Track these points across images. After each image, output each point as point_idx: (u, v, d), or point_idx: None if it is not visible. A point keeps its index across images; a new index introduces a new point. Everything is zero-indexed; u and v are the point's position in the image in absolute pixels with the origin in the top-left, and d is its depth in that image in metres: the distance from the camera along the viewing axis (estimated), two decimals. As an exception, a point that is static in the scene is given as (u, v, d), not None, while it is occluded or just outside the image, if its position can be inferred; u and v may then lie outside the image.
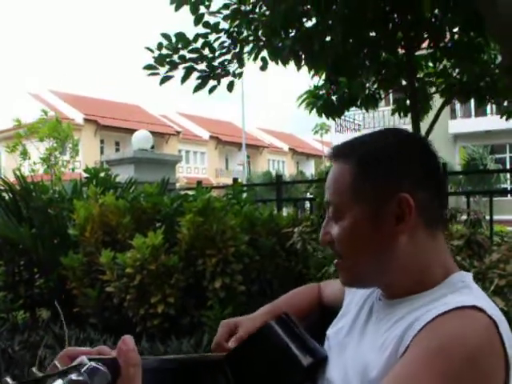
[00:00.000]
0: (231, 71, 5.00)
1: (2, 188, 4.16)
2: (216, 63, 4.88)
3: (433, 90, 5.84)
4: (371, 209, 0.95)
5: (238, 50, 4.87)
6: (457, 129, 20.12)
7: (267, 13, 4.71)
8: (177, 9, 4.51)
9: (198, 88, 4.90)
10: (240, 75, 5.04)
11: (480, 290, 0.95)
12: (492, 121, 17.43)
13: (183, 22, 5.03)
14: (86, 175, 4.22)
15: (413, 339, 0.85)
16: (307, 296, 1.32)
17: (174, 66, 4.67)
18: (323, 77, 5.49)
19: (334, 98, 5.70)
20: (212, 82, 4.97)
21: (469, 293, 0.91)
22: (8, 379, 0.64)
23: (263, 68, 4.99)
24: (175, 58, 4.63)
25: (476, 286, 0.95)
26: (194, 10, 4.50)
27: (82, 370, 0.64)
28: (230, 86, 4.98)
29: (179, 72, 4.77)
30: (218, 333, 1.18)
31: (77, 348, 0.75)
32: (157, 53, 4.61)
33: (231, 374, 1.06)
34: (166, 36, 4.58)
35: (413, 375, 0.80)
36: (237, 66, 5.00)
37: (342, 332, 1.07)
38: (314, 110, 5.82)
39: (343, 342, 1.05)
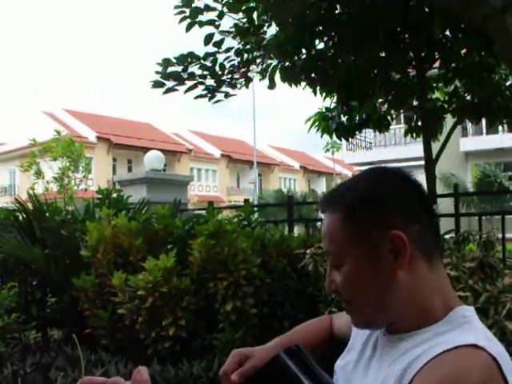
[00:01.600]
0: (238, 87, 5.08)
1: (16, 208, 4.21)
2: (224, 78, 4.95)
3: (444, 110, 5.83)
4: (367, 251, 0.97)
5: (245, 69, 4.94)
6: (468, 146, 20.02)
7: (278, 32, 4.76)
8: (187, 30, 4.57)
9: (200, 96, 4.97)
10: (240, 88, 5.13)
11: (481, 326, 0.95)
12: (504, 138, 17.37)
13: (194, 38, 5.09)
14: (98, 195, 4.25)
15: (414, 377, 0.85)
16: (319, 328, 1.32)
17: (181, 81, 4.75)
18: (335, 99, 5.52)
19: (344, 119, 5.72)
20: (218, 96, 5.06)
21: (470, 329, 0.91)
22: None
23: (271, 87, 5.04)
24: (184, 75, 4.71)
25: (477, 321, 0.95)
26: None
27: None
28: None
29: (185, 86, 4.84)
30: (226, 362, 1.17)
31: (93, 378, 0.77)
32: (163, 69, 4.68)
33: None
34: (167, 60, 4.65)
35: None
36: (243, 82, 5.07)
37: (348, 366, 1.08)
38: (325, 130, 5.84)
39: (349, 377, 1.05)
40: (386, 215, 0.97)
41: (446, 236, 3.27)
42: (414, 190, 1.02)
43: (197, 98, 5.02)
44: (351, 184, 1.06)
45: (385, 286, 0.96)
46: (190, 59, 4.67)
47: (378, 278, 0.96)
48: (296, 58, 4.80)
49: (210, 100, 5.04)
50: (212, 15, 4.50)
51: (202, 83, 4.88)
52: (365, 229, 0.97)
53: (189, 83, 4.84)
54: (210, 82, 4.94)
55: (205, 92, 4.99)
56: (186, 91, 4.83)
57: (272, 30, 4.93)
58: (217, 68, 4.83)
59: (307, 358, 1.10)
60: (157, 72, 4.69)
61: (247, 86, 5.15)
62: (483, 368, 0.82)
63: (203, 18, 4.50)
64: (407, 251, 0.94)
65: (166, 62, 4.68)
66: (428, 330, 0.94)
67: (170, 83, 4.79)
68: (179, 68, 4.71)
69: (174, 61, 4.66)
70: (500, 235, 3.64)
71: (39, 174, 13.19)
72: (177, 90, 4.85)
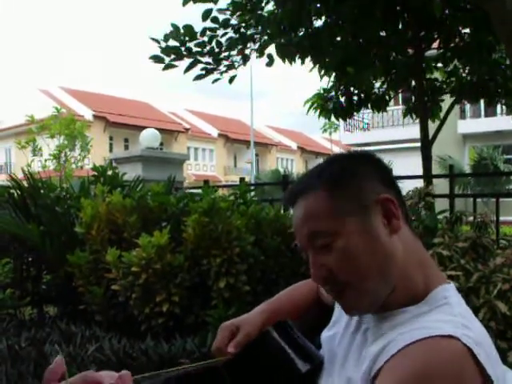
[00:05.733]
0: (236, 65, 5.06)
1: (11, 185, 4.19)
2: (221, 56, 4.93)
3: (442, 90, 5.81)
4: (361, 219, 0.94)
5: (243, 46, 4.91)
6: (466, 129, 20.01)
7: (275, 9, 4.73)
8: (184, 4, 4.54)
9: (198, 77, 4.96)
10: (239, 66, 5.11)
11: (461, 307, 0.93)
12: (502, 121, 17.34)
13: (193, 18, 5.05)
14: (93, 173, 4.24)
15: (385, 364, 0.84)
16: (305, 292, 1.30)
17: (179, 57, 4.73)
18: (332, 78, 5.50)
19: (342, 99, 5.71)
20: (216, 74, 5.05)
21: (447, 312, 0.89)
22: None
23: (269, 64, 5.02)
24: (182, 49, 4.69)
25: (457, 302, 0.93)
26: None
27: None
28: (231, 80, 5.07)
29: (184, 63, 4.83)
30: (217, 337, 1.15)
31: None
32: (163, 44, 4.66)
33: (230, 380, 1.06)
34: (174, 26, 4.61)
35: None
36: (241, 60, 5.05)
37: (334, 340, 1.07)
38: (323, 112, 5.84)
39: (335, 351, 1.05)
40: (368, 183, 0.97)
41: (440, 216, 3.28)
42: (384, 166, 1.03)
43: (196, 79, 4.99)
44: (322, 166, 1.03)
45: (383, 252, 0.93)
46: (186, 32, 4.64)
47: (376, 245, 0.93)
48: (293, 35, 4.77)
49: (203, 77, 5.02)
50: None
51: (199, 61, 4.86)
52: (353, 198, 0.95)
53: (187, 60, 4.83)
54: (207, 59, 4.92)
55: (203, 72, 4.97)
56: (186, 71, 4.81)
57: (269, 7, 4.89)
58: (213, 44, 4.81)
59: (295, 332, 1.11)
60: (156, 40, 4.66)
61: (245, 64, 5.12)
62: (454, 362, 0.79)
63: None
64: (399, 212, 0.95)
65: (167, 37, 4.66)
66: (410, 311, 0.92)
67: (169, 58, 4.78)
68: (177, 43, 4.69)
69: (179, 27, 4.62)
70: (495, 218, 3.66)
71: (37, 150, 13.11)
72: (176, 66, 4.83)
